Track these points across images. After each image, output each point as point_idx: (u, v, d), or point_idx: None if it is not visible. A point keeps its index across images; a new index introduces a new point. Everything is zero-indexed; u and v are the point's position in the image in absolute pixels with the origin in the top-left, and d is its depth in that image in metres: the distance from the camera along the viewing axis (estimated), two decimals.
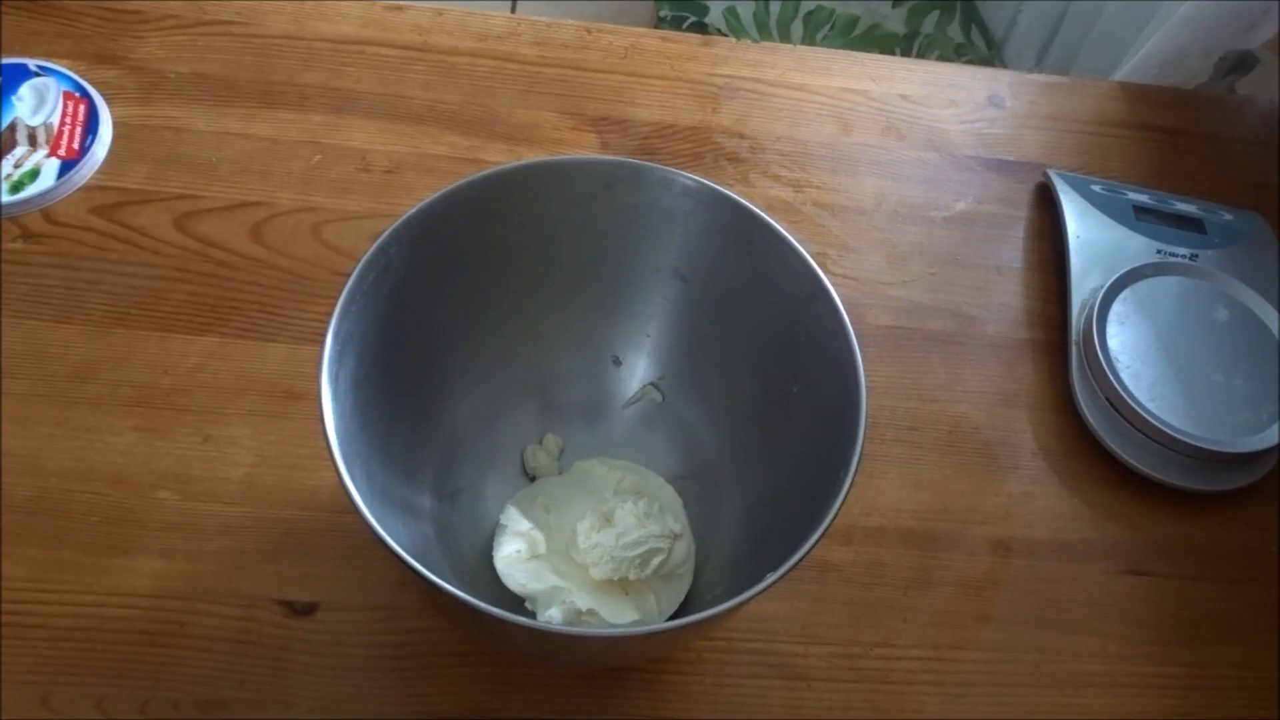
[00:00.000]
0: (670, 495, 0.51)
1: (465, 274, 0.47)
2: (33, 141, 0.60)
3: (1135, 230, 0.66)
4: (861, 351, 0.42)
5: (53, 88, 0.62)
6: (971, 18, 1.26)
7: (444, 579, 0.35)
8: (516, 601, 0.47)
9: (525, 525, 0.48)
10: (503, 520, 0.49)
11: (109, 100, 0.63)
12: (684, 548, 0.48)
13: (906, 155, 0.71)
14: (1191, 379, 0.59)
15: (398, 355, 0.45)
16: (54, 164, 0.60)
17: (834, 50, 0.78)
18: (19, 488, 0.50)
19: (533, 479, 0.52)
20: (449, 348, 0.49)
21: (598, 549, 0.47)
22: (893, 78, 0.75)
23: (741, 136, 0.69)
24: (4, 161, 0.59)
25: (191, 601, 0.48)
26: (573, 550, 0.48)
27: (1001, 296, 0.65)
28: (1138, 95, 0.77)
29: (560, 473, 0.52)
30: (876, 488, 0.56)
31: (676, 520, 0.49)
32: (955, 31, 1.24)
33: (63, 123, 0.61)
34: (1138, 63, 0.84)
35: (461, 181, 0.45)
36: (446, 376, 0.49)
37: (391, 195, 0.62)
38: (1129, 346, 0.59)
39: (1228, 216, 0.68)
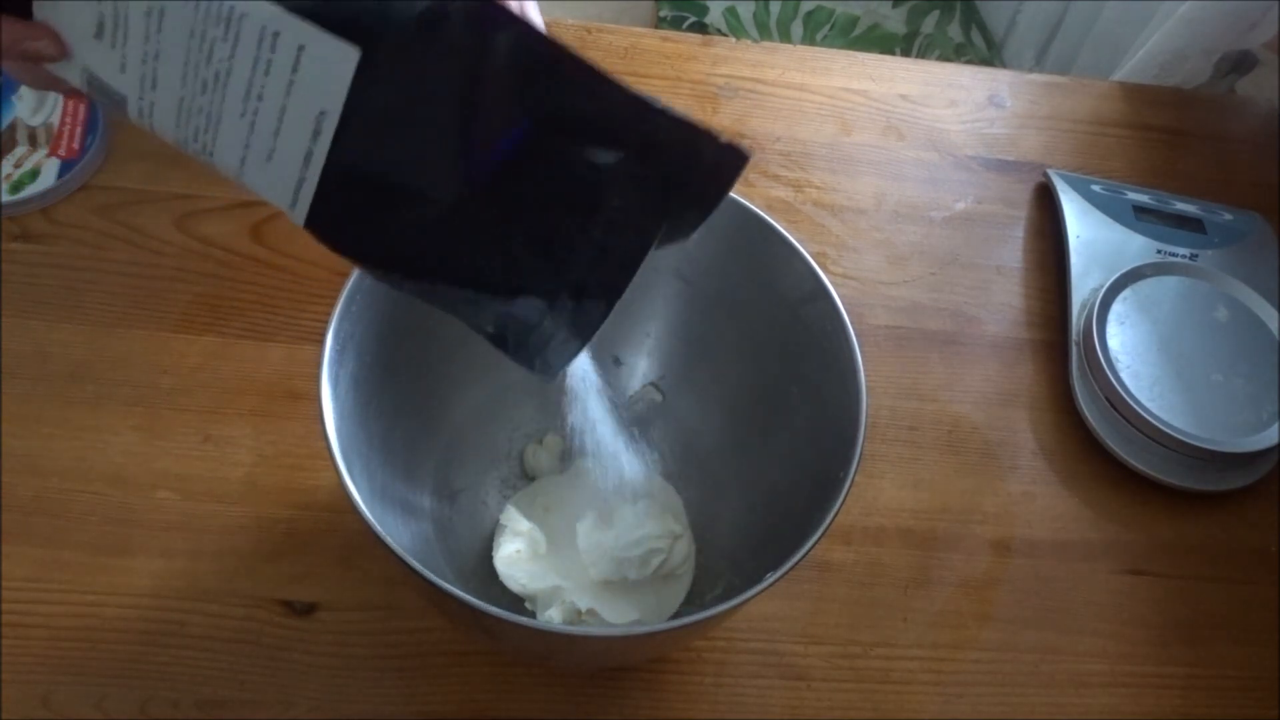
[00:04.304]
0: (670, 495, 0.51)
1: None
2: (33, 141, 0.60)
3: (1135, 230, 0.66)
4: (861, 351, 0.42)
5: None
6: (971, 18, 1.26)
7: (444, 579, 0.35)
8: (516, 601, 0.47)
9: (525, 525, 0.49)
10: (503, 520, 0.49)
11: None
12: (684, 548, 0.48)
13: (906, 155, 0.71)
14: (1191, 379, 0.59)
15: (398, 355, 0.45)
16: (54, 164, 0.60)
17: (834, 50, 0.78)
18: (19, 488, 0.50)
19: (533, 479, 0.52)
20: (449, 347, 0.49)
21: (598, 549, 0.47)
22: (893, 78, 0.75)
23: (741, 136, 0.69)
24: (4, 161, 0.59)
25: (191, 601, 0.48)
26: (573, 550, 0.48)
27: (1001, 296, 0.65)
28: (1137, 95, 0.77)
29: (560, 473, 0.52)
30: (876, 488, 0.56)
31: (676, 520, 0.49)
32: (955, 31, 1.24)
33: (63, 123, 0.61)
34: (1138, 63, 0.84)
35: None
36: (447, 376, 0.49)
37: None
38: (1129, 346, 0.59)
39: (1228, 216, 0.68)
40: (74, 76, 0.35)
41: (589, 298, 0.32)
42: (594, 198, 0.31)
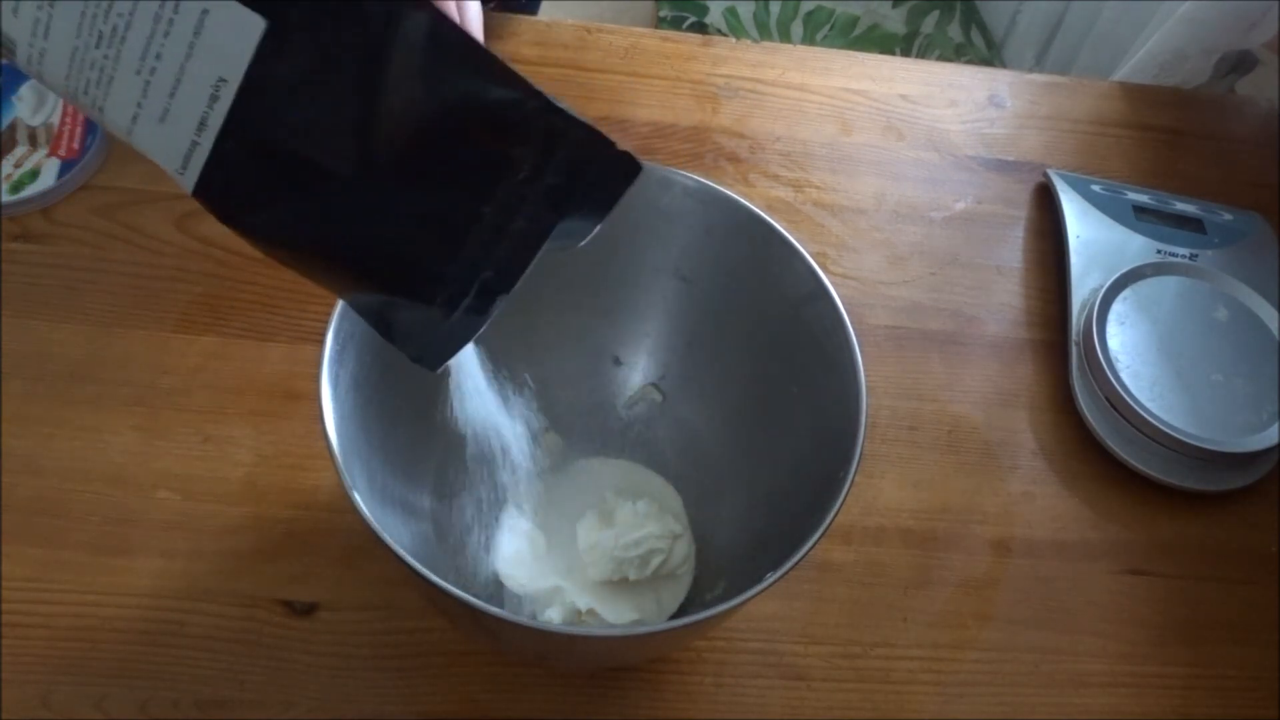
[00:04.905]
0: (670, 495, 0.51)
1: None
2: (33, 141, 0.60)
3: (1135, 230, 0.66)
4: (861, 351, 0.42)
5: None
6: (971, 18, 1.26)
7: (444, 579, 0.35)
8: (517, 601, 0.47)
9: (525, 525, 0.49)
10: (503, 520, 0.49)
11: None
12: (684, 548, 0.48)
13: (906, 155, 0.71)
14: (1191, 379, 0.59)
15: (398, 355, 0.45)
16: (54, 164, 0.60)
17: (834, 50, 0.78)
18: (19, 488, 0.50)
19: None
20: None
21: (598, 549, 0.47)
22: (893, 78, 0.75)
23: (741, 136, 0.69)
24: (4, 161, 0.59)
25: (191, 601, 0.48)
26: (573, 550, 0.48)
27: (1001, 296, 0.65)
28: (1138, 95, 0.77)
29: (560, 472, 0.52)
30: (876, 488, 0.56)
31: (677, 520, 0.49)
32: (955, 31, 1.24)
33: (63, 123, 0.61)
34: (1138, 63, 0.84)
35: None
36: (446, 376, 0.49)
37: None
38: (1129, 346, 0.59)
39: (1228, 216, 0.68)
40: None
41: (482, 290, 0.33)
42: (492, 188, 0.31)
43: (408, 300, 0.33)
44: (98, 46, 0.31)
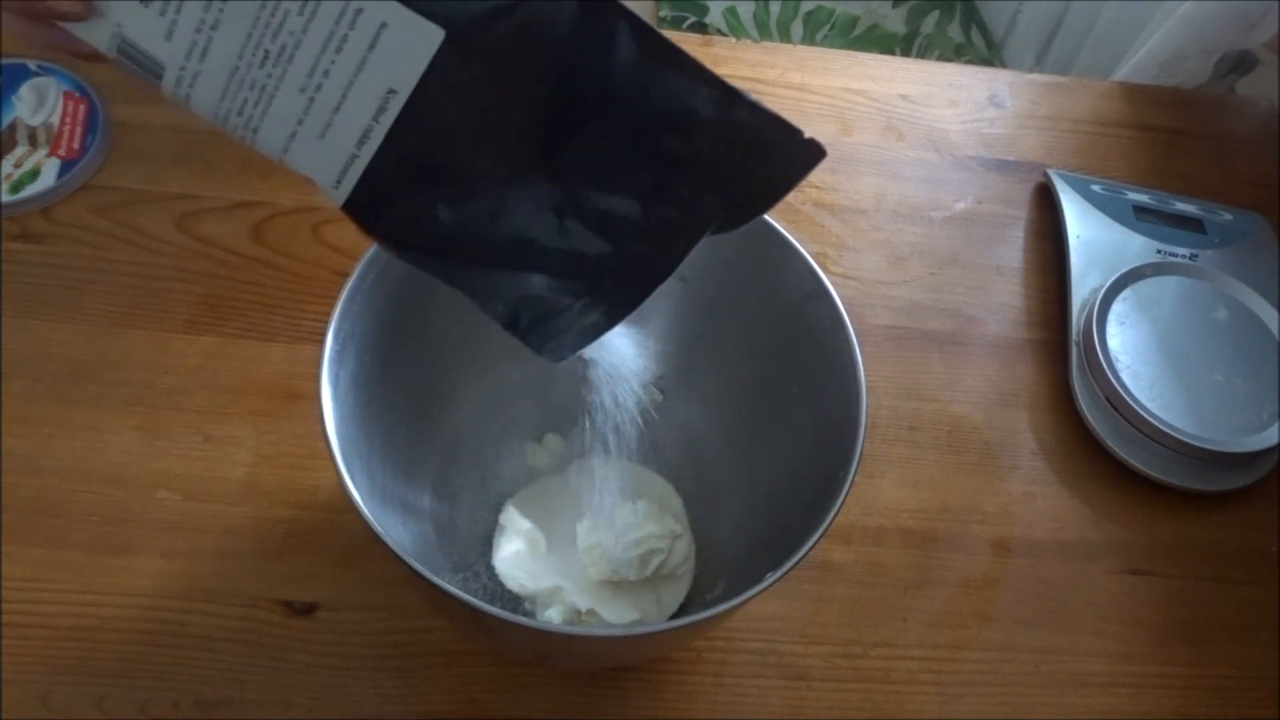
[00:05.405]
0: (670, 495, 0.51)
1: None
2: (33, 141, 0.60)
3: (1135, 230, 0.66)
4: (861, 351, 0.42)
5: (53, 87, 0.62)
6: (971, 18, 1.26)
7: (444, 579, 0.35)
8: (516, 601, 0.47)
9: (525, 525, 0.49)
10: (502, 520, 0.49)
11: (109, 100, 0.63)
12: (684, 548, 0.48)
13: (906, 155, 0.71)
14: (1191, 379, 0.59)
15: (398, 355, 0.45)
16: (54, 164, 0.60)
17: (834, 50, 0.78)
18: (19, 488, 0.50)
19: (533, 479, 0.52)
20: (449, 347, 0.49)
21: (598, 549, 0.47)
22: (893, 78, 0.75)
23: None
24: (4, 161, 0.59)
25: (191, 601, 0.48)
26: (573, 550, 0.48)
27: (1001, 296, 0.65)
28: (1138, 95, 0.77)
29: (560, 473, 0.52)
30: (876, 488, 0.56)
31: (677, 520, 0.49)
32: (955, 31, 1.24)
33: (63, 123, 0.61)
34: (1138, 63, 0.84)
35: None
36: (447, 376, 0.49)
37: None
38: (1129, 346, 0.59)
39: (1228, 216, 0.68)
40: (99, 40, 0.32)
41: (631, 281, 0.32)
42: (663, 182, 0.31)
43: (552, 298, 0.32)
44: (261, 66, 0.30)
